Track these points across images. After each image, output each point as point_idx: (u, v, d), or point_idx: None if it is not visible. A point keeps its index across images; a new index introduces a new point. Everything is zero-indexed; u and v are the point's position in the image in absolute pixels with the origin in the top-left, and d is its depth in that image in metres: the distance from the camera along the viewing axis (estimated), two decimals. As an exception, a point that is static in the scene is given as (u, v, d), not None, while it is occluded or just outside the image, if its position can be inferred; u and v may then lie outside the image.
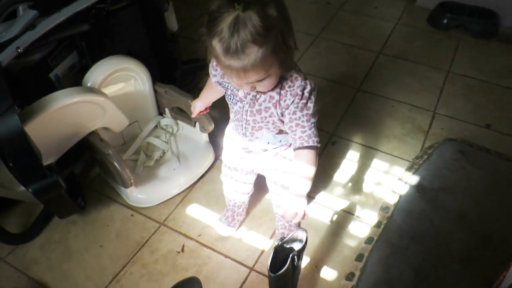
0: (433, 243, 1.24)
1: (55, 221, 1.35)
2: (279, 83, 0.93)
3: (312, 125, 0.96)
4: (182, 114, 1.52)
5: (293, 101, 0.92)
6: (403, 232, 1.27)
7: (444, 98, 1.76)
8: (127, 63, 1.38)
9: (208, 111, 1.27)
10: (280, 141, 1.07)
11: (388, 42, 2.06)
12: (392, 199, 1.35)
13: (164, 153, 1.49)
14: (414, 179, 1.37)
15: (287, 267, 0.96)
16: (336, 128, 1.64)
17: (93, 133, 1.32)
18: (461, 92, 1.79)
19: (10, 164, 1.04)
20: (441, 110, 1.71)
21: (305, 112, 0.93)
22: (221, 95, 1.16)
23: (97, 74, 1.31)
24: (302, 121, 0.94)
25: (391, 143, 1.58)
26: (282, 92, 0.93)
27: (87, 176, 1.47)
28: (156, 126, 1.56)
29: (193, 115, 1.25)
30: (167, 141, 1.52)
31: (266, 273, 1.22)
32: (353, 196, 1.43)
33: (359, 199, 1.42)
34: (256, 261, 1.25)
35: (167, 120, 1.55)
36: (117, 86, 1.40)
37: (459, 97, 1.77)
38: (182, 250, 1.29)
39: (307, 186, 1.00)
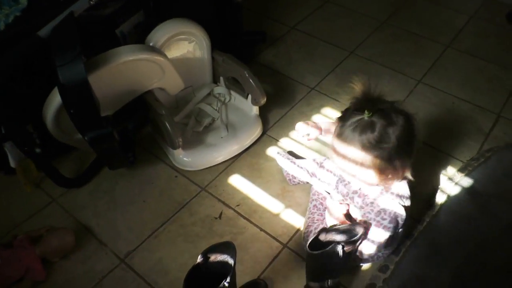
0: (477, 249, 1.18)
1: (105, 171, 1.42)
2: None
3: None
4: (236, 84, 1.53)
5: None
6: (446, 233, 1.22)
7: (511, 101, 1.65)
8: (190, 27, 1.39)
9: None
10: None
11: (460, 36, 1.95)
12: (440, 198, 1.30)
13: (213, 120, 1.52)
14: (466, 181, 1.31)
15: (325, 252, 0.95)
16: (390, 118, 1.59)
17: (149, 92, 1.36)
18: (533, 97, 1.67)
19: (71, 111, 1.10)
20: (507, 113, 1.60)
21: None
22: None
23: (160, 35, 1.34)
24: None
25: (447, 141, 1.51)
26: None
27: (139, 133, 1.52)
28: (209, 94, 1.57)
29: (299, 132, 1.25)
30: (218, 109, 1.53)
31: (299, 251, 1.23)
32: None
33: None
34: (291, 239, 1.26)
35: (220, 88, 1.56)
36: (177, 49, 1.42)
37: (529, 102, 1.65)
38: (220, 216, 1.31)
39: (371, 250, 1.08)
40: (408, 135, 0.97)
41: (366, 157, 0.96)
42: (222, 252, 0.89)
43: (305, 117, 1.60)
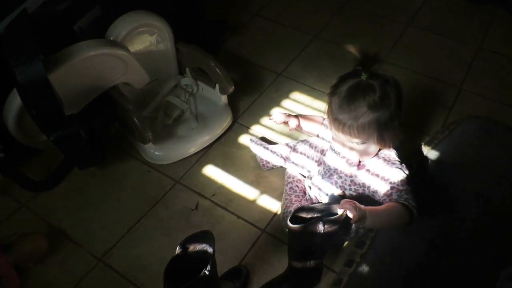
0: (447, 219, 1.23)
1: (75, 172, 1.38)
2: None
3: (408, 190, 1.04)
4: (202, 74, 1.51)
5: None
6: (418, 205, 1.26)
7: (471, 74, 1.71)
8: (150, 19, 1.37)
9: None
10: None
11: (419, 14, 1.99)
12: (408, 172, 1.33)
13: (183, 112, 1.50)
14: (433, 154, 1.35)
15: (307, 226, 0.95)
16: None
17: (114, 87, 1.33)
18: (490, 69, 1.73)
19: (33, 112, 1.06)
20: (468, 86, 1.66)
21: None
22: (314, 134, 1.27)
23: (120, 28, 1.31)
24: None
25: (413, 116, 1.55)
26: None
27: (107, 130, 1.49)
28: (176, 86, 1.56)
29: (275, 121, 1.26)
30: (186, 101, 1.52)
31: (277, 235, 1.24)
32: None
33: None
34: (268, 223, 1.27)
35: (187, 80, 1.55)
36: (139, 42, 1.40)
37: (488, 74, 1.71)
38: (196, 208, 1.31)
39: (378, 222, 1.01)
40: (400, 94, 0.99)
41: (370, 119, 0.96)
42: (200, 241, 0.89)
43: (275, 103, 1.60)
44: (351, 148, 1.04)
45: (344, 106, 0.97)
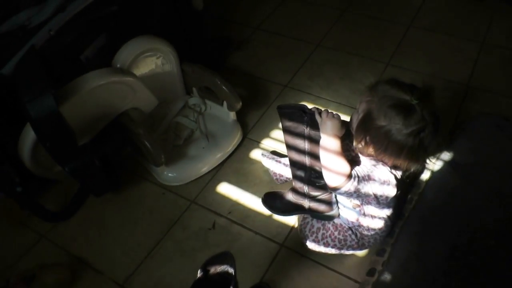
0: (467, 219, 1.21)
1: (91, 199, 1.40)
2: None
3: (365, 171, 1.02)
4: (209, 93, 1.53)
5: None
6: (435, 208, 1.25)
7: (478, 71, 1.70)
8: (154, 43, 1.39)
9: None
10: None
11: (419, 14, 1.99)
12: (423, 175, 1.32)
13: (192, 132, 1.51)
14: (446, 155, 1.34)
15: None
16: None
17: (124, 113, 1.34)
18: (497, 65, 1.72)
19: (47, 145, 1.08)
20: (474, 83, 1.65)
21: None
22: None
23: (125, 55, 1.33)
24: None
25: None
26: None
27: (119, 155, 1.51)
28: (184, 106, 1.57)
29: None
30: (195, 120, 1.53)
31: (296, 249, 1.24)
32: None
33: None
34: (286, 237, 1.27)
35: (194, 99, 1.56)
36: (145, 66, 1.42)
37: (495, 70, 1.70)
38: (213, 227, 1.31)
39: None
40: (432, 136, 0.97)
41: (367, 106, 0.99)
42: (220, 263, 0.89)
43: (283, 115, 1.61)
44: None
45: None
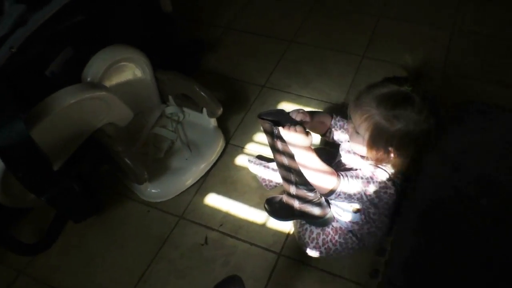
0: (458, 208, 1.22)
1: (70, 224, 1.29)
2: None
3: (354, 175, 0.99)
4: (187, 100, 1.45)
5: None
6: (429, 201, 1.24)
7: (451, 57, 1.71)
8: (125, 53, 1.30)
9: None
10: None
11: (388, 4, 1.98)
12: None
13: (173, 143, 1.43)
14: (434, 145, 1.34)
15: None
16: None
17: (99, 130, 1.25)
18: (470, 50, 1.74)
19: (20, 175, 0.98)
20: (450, 70, 1.66)
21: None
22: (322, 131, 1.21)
23: (96, 67, 1.23)
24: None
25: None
26: None
27: (97, 175, 1.41)
28: (161, 116, 1.49)
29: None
30: (174, 130, 1.45)
31: (295, 256, 1.20)
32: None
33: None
34: (283, 246, 1.23)
35: (172, 108, 1.48)
36: (118, 78, 1.32)
37: (468, 55, 1.72)
38: (206, 242, 1.25)
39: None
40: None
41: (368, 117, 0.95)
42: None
43: (264, 117, 1.56)
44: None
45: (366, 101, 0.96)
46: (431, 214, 1.21)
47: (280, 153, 1.10)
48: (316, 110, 1.54)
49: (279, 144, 1.05)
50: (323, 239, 1.14)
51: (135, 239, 1.26)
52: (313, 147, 1.02)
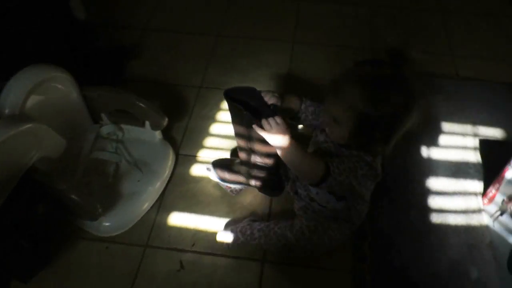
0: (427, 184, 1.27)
1: (15, 284, 1.08)
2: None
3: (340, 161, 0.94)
4: (122, 115, 1.30)
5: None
6: (397, 180, 1.28)
7: (374, 33, 1.76)
8: (45, 73, 1.11)
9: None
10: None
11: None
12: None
13: (118, 165, 1.28)
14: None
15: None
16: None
17: (32, 167, 1.05)
18: (388, 24, 1.80)
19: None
20: (377, 46, 1.70)
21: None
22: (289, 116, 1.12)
23: (13, 96, 1.04)
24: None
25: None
26: None
27: (36, 218, 1.19)
28: (96, 137, 1.31)
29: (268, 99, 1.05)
30: (116, 151, 1.29)
31: (280, 260, 1.14)
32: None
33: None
34: (265, 251, 1.16)
35: (107, 127, 1.31)
36: (41, 104, 1.13)
37: (388, 29, 1.78)
38: (182, 266, 1.14)
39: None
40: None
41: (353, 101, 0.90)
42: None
43: (209, 119, 1.46)
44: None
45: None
46: (401, 192, 1.26)
47: (247, 138, 1.04)
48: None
49: (248, 131, 0.98)
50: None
51: (99, 282, 1.11)
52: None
